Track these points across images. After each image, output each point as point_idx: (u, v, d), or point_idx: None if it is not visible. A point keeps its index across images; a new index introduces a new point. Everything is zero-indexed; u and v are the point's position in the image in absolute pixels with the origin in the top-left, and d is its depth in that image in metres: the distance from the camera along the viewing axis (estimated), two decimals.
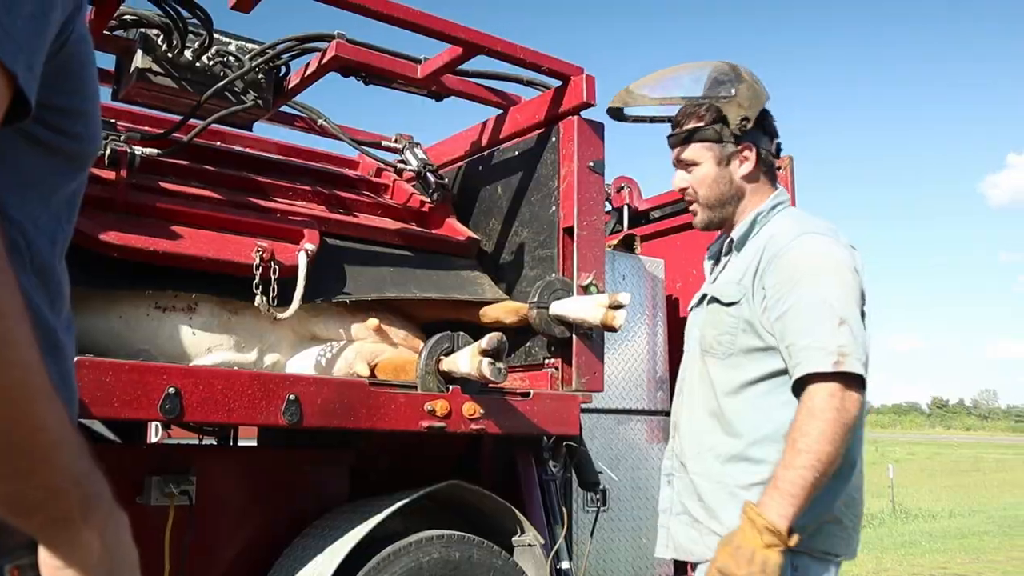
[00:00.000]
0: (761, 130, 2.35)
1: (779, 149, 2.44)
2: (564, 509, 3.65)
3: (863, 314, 2.15)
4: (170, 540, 2.80)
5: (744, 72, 2.36)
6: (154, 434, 5.38)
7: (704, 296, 2.41)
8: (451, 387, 2.98)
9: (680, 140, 2.39)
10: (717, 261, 2.49)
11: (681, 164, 2.41)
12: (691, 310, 2.50)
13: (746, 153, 2.33)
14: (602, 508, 3.98)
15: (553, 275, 3.40)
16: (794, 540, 1.93)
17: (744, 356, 2.21)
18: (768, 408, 2.14)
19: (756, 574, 1.89)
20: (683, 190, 2.43)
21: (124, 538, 0.92)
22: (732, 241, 2.39)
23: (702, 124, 2.34)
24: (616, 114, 2.62)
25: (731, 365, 2.23)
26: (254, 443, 4.38)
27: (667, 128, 2.47)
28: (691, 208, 2.44)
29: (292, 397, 2.65)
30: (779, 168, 4.59)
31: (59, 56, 0.96)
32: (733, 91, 2.32)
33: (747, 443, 2.16)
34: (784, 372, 2.13)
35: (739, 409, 2.20)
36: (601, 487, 3.90)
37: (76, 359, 2.30)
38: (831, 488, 2.08)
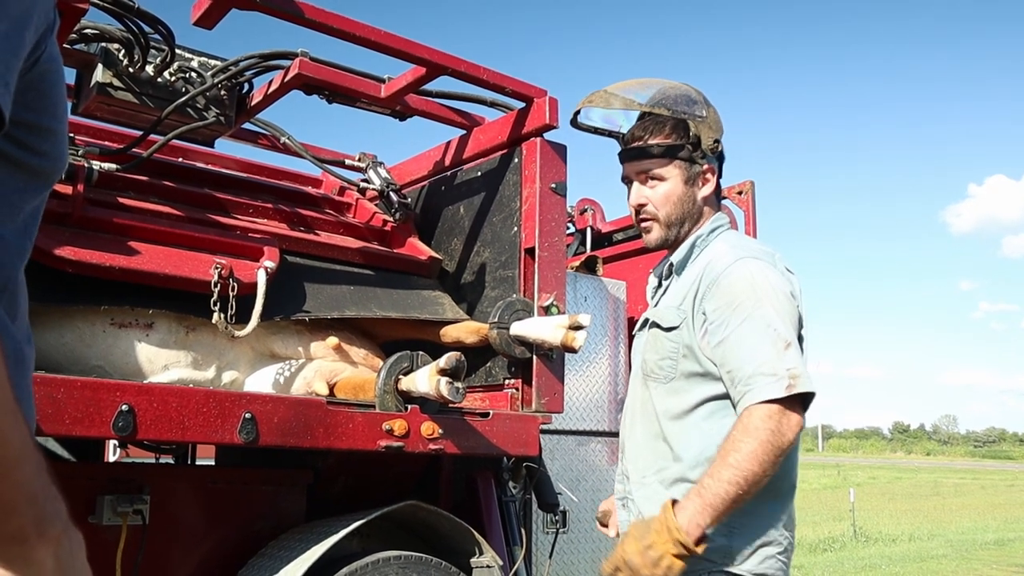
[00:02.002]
0: (718, 155, 2.38)
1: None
2: (523, 530, 3.65)
3: (801, 338, 2.17)
4: (122, 560, 2.76)
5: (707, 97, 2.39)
6: (112, 452, 5.31)
7: (646, 320, 2.40)
8: (410, 406, 2.97)
9: (648, 154, 2.33)
10: (659, 285, 2.50)
11: (641, 178, 2.37)
12: (635, 334, 2.50)
13: (709, 175, 2.35)
14: (561, 530, 3.97)
15: (514, 296, 3.40)
16: (701, 548, 1.94)
17: (685, 381, 2.21)
18: (710, 432, 2.14)
19: None
20: (641, 206, 2.38)
21: (79, 557, 0.91)
22: (672, 265, 2.39)
23: (672, 141, 2.32)
24: (574, 120, 2.61)
25: (672, 390, 2.24)
26: (212, 462, 4.33)
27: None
28: (645, 225, 2.40)
29: (248, 415, 2.62)
30: (741, 192, 4.69)
31: (31, 74, 0.97)
32: (705, 113, 2.34)
33: (688, 466, 2.16)
34: (725, 396, 2.14)
35: (681, 433, 2.20)
36: (561, 508, 3.90)
37: None
38: (771, 510, 2.10)
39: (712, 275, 2.19)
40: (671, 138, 2.32)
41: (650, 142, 2.33)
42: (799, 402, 2.01)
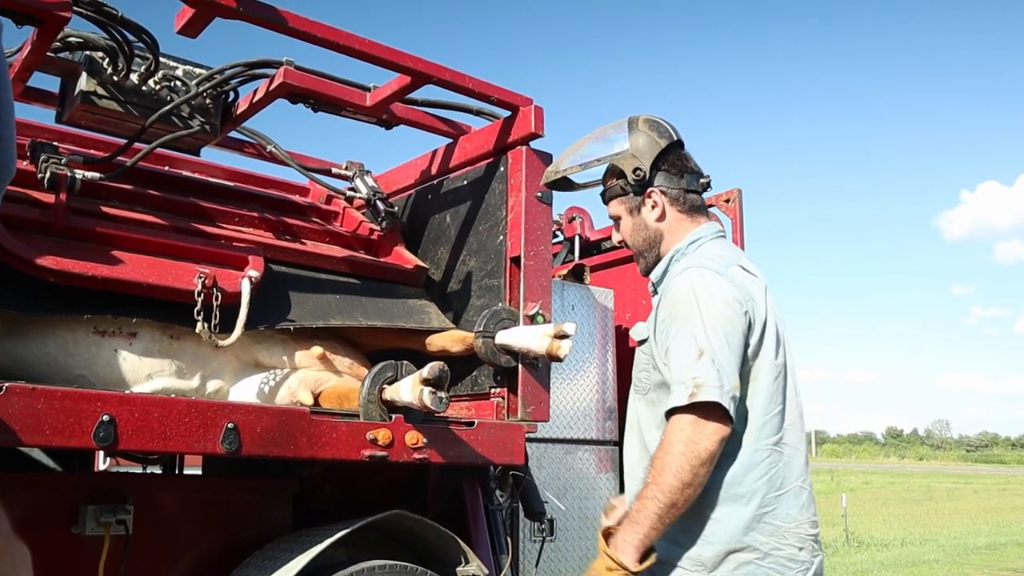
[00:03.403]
0: (665, 172, 2.44)
1: (705, 185, 2.50)
2: (510, 539, 3.64)
3: (757, 342, 2.21)
4: (104, 571, 2.74)
5: (642, 123, 2.47)
6: (102, 462, 5.29)
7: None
8: (394, 416, 2.96)
9: (604, 201, 2.56)
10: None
11: (613, 221, 2.58)
12: None
13: (654, 199, 2.45)
14: (548, 538, 3.97)
15: (500, 304, 3.40)
16: (647, 563, 2.06)
17: (659, 391, 2.28)
18: None
19: None
20: (621, 242, 2.59)
21: (22, 572, 0.91)
22: (653, 283, 2.51)
23: (612, 181, 2.51)
24: (565, 184, 2.72)
25: (650, 401, 2.31)
26: (200, 471, 4.31)
27: None
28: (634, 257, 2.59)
29: (230, 425, 2.61)
30: (728, 200, 4.70)
31: None
32: (627, 145, 2.44)
33: None
34: None
35: (658, 442, 2.23)
36: (548, 517, 3.89)
37: (7, 385, 2.26)
38: (740, 517, 2.11)
39: (665, 288, 2.32)
40: (607, 182, 2.54)
41: (603, 188, 2.56)
42: (716, 409, 2.06)
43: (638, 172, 2.42)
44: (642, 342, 2.38)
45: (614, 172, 2.49)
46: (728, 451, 2.11)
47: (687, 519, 2.12)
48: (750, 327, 2.20)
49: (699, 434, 2.03)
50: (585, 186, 2.71)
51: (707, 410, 2.04)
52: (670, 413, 2.11)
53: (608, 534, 2.14)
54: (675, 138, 2.47)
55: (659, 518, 2.04)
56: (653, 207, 2.45)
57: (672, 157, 2.45)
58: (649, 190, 2.44)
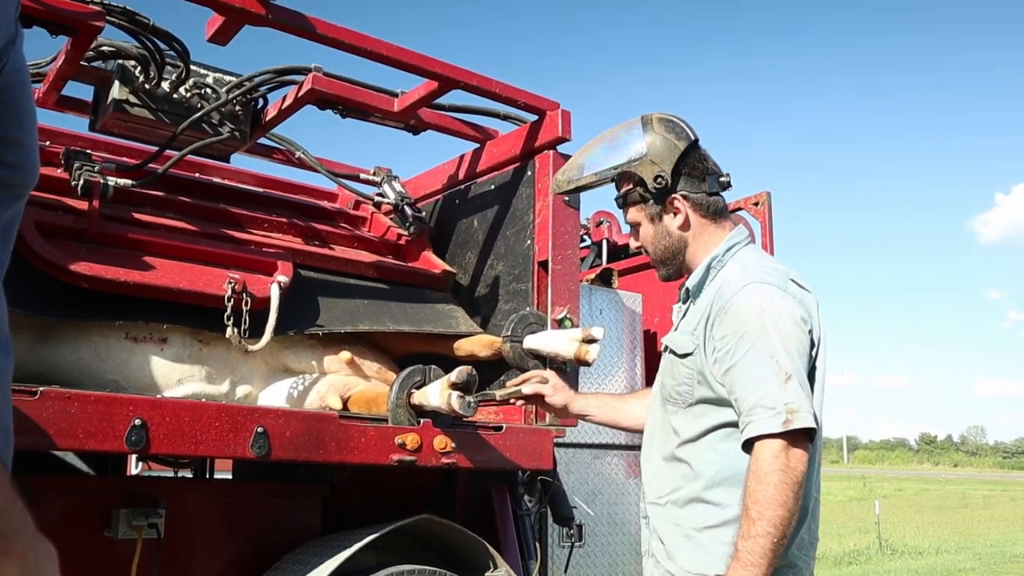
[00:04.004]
0: (687, 176, 2.33)
1: (726, 184, 2.40)
2: (538, 544, 3.63)
3: (812, 360, 2.16)
4: (136, 574, 2.77)
5: (657, 123, 2.35)
6: (134, 466, 5.34)
7: (666, 344, 2.42)
8: (422, 421, 2.97)
9: (620, 205, 2.46)
10: (683, 308, 2.50)
11: (630, 227, 2.48)
12: (661, 355, 2.51)
13: (676, 205, 2.34)
14: (577, 543, 3.96)
15: (527, 309, 3.40)
16: None
17: (702, 405, 2.22)
18: (726, 452, 2.14)
19: None
20: (639, 248, 2.49)
21: (48, 570, 0.91)
22: (687, 290, 2.40)
23: (630, 187, 2.39)
24: (574, 190, 2.65)
25: (691, 414, 2.24)
26: (230, 476, 4.34)
27: None
28: (652, 264, 2.50)
29: (260, 429, 2.63)
30: (757, 204, 4.66)
31: None
32: (644, 149, 2.32)
33: (704, 486, 2.17)
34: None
35: (698, 454, 2.20)
36: (576, 522, 3.88)
37: (41, 389, 2.29)
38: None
39: (721, 301, 2.19)
40: (629, 185, 2.40)
41: (619, 193, 2.45)
42: (803, 433, 2.00)
43: (660, 180, 2.30)
44: (684, 355, 2.28)
45: (631, 177, 2.37)
46: None
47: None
48: (811, 345, 2.15)
49: (793, 459, 1.97)
50: (592, 186, 2.63)
51: (795, 435, 1.99)
52: (753, 439, 2.03)
53: None
54: (692, 138, 2.35)
55: (774, 553, 1.95)
56: (676, 214, 2.34)
57: (692, 159, 2.33)
58: (671, 197, 2.33)
